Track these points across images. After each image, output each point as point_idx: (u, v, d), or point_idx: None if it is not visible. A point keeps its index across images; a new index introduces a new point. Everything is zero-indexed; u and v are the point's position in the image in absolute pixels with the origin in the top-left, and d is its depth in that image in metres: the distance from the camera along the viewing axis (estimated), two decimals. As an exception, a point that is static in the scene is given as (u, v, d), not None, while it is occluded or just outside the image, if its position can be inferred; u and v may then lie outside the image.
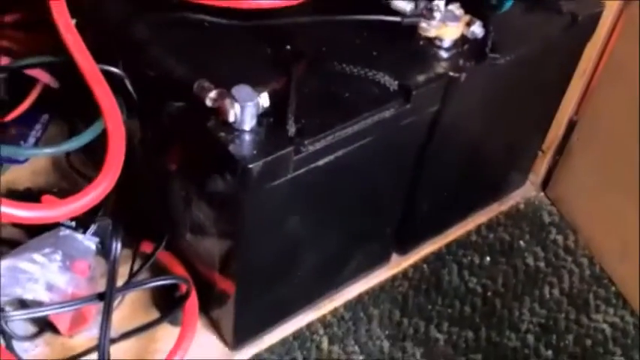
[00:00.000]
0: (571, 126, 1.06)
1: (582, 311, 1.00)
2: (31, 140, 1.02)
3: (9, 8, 1.01)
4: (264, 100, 0.68)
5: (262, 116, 0.69)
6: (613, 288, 1.02)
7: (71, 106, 0.96)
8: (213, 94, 0.68)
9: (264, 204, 0.73)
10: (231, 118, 0.67)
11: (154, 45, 0.76)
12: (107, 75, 0.76)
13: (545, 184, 1.13)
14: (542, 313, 0.99)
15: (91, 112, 0.76)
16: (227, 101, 0.67)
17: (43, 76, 0.93)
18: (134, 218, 0.91)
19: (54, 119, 1.05)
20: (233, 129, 0.68)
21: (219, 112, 0.68)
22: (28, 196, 0.92)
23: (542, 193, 1.13)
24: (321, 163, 0.72)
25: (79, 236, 0.85)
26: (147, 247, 0.90)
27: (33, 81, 0.95)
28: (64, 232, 0.85)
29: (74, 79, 0.75)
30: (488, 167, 1.01)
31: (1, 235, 0.87)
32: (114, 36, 0.80)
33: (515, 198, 1.12)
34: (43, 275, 0.80)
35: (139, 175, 0.88)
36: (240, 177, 0.67)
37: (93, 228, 0.87)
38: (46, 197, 0.87)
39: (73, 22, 0.76)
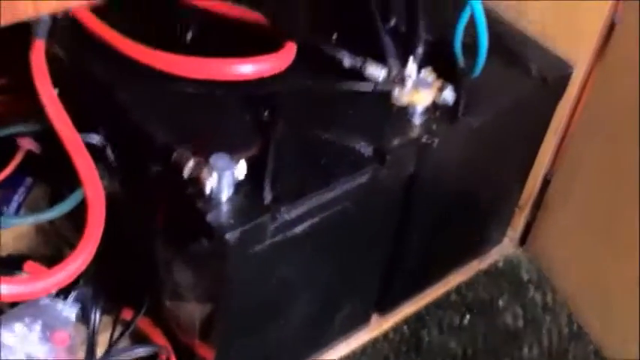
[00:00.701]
0: (546, 182, 1.07)
1: (562, 370, 1.00)
2: (14, 204, 1.02)
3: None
4: (241, 168, 0.69)
5: (239, 184, 0.70)
6: (592, 346, 1.03)
7: (54, 170, 0.96)
8: (191, 163, 0.70)
9: (242, 270, 0.73)
10: (208, 189, 0.68)
11: (134, 113, 0.77)
12: (89, 143, 0.77)
13: (523, 240, 1.14)
14: (522, 373, 1.00)
15: (73, 176, 0.76)
16: (205, 171, 0.68)
17: (26, 143, 0.94)
18: (115, 284, 0.91)
19: (38, 182, 1.06)
20: (211, 197, 0.69)
21: (197, 182, 0.69)
22: (11, 262, 0.92)
23: (520, 250, 1.14)
24: (298, 228, 0.73)
25: (60, 305, 0.85)
26: (127, 314, 0.90)
27: (17, 145, 0.96)
28: (44, 300, 0.85)
29: (57, 145, 0.76)
30: (467, 226, 1.02)
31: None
32: (96, 104, 0.81)
33: (493, 255, 1.12)
34: (23, 347, 0.80)
35: (120, 241, 0.88)
36: (218, 245, 0.68)
37: (73, 294, 0.87)
38: (29, 264, 0.87)
39: (56, 91, 0.77)
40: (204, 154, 0.69)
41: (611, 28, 0.91)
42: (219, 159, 0.68)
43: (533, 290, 1.09)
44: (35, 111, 0.78)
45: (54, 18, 0.80)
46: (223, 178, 0.68)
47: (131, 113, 0.77)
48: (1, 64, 0.94)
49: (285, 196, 0.71)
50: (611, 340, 1.00)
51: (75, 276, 0.71)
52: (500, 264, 1.12)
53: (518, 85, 0.88)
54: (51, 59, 0.78)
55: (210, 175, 0.68)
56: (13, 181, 1.01)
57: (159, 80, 0.79)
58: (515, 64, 0.89)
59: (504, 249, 1.13)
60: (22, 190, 1.03)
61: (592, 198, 1.01)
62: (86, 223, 0.71)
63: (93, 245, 0.71)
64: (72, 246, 0.72)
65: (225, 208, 0.69)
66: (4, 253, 0.95)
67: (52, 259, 0.88)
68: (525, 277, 1.11)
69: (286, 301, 0.82)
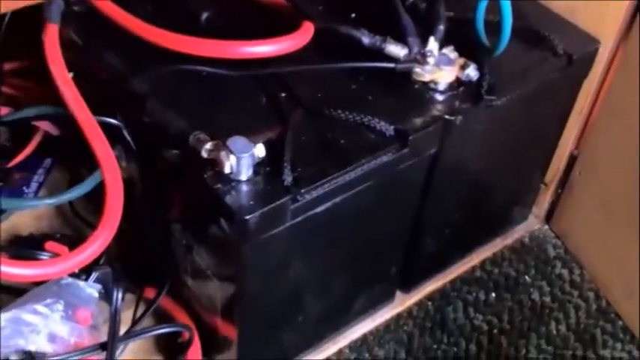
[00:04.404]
0: (572, 160, 1.05)
1: (589, 347, 0.99)
2: (34, 185, 1.03)
3: (10, 56, 1.03)
4: (259, 150, 0.69)
5: (258, 166, 0.69)
6: (620, 322, 1.01)
7: (73, 151, 0.96)
8: (209, 145, 0.69)
9: (263, 251, 0.73)
10: (227, 170, 0.68)
11: (152, 96, 0.77)
12: (106, 125, 0.77)
13: (549, 217, 1.12)
14: (549, 350, 0.98)
15: (92, 158, 0.76)
16: (223, 153, 0.67)
17: (43, 125, 0.94)
18: (137, 264, 0.91)
19: (57, 163, 1.06)
20: (229, 180, 0.68)
21: (215, 164, 0.69)
22: (32, 242, 0.92)
23: (546, 226, 1.12)
24: (319, 210, 0.72)
25: (82, 284, 0.85)
26: (150, 293, 0.90)
27: (35, 126, 0.96)
28: (67, 280, 0.85)
29: (74, 127, 0.76)
30: (491, 203, 1.01)
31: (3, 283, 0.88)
32: (112, 88, 0.80)
33: (519, 232, 1.11)
34: (46, 326, 0.80)
35: (141, 221, 0.88)
36: (238, 227, 0.68)
37: (95, 275, 0.87)
38: (49, 244, 0.87)
39: (71, 75, 0.77)
40: (221, 136, 0.69)
41: (638, 4, 0.88)
42: (236, 141, 0.68)
43: (560, 266, 1.08)
44: (52, 94, 0.78)
45: (67, 2, 0.80)
46: (241, 160, 0.67)
47: (147, 97, 0.77)
48: (19, 48, 0.94)
49: (305, 177, 0.70)
50: (638, 317, 0.99)
51: (95, 256, 0.71)
52: (526, 240, 1.11)
53: (543, 63, 0.86)
54: (67, 44, 0.78)
55: (229, 157, 0.67)
56: (32, 163, 1.02)
57: (174, 63, 0.79)
58: (540, 41, 0.87)
59: (530, 225, 1.12)
60: (41, 171, 1.04)
61: (617, 177, 0.99)
62: (105, 205, 0.72)
63: (112, 226, 0.71)
64: (92, 226, 0.72)
65: (244, 190, 0.68)
66: (25, 233, 0.96)
67: (72, 239, 0.89)
68: (552, 253, 1.09)
69: (308, 280, 0.82)
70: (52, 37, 0.77)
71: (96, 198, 0.76)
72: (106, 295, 0.87)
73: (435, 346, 0.98)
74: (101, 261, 0.87)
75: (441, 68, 0.78)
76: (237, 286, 0.77)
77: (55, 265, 0.70)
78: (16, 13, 0.78)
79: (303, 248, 0.77)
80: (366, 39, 0.79)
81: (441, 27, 0.80)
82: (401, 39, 0.79)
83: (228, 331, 0.83)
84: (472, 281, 1.05)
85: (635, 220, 0.96)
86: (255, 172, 0.69)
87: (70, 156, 1.01)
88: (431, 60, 0.78)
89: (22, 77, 1.02)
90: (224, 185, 0.68)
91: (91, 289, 0.86)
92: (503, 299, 1.04)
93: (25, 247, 0.89)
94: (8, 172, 1.01)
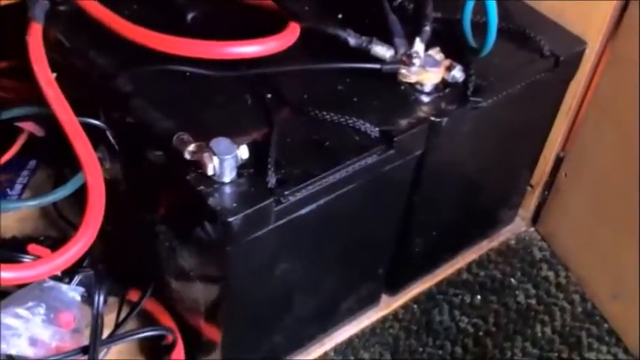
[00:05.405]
0: (558, 162, 1.05)
1: (575, 349, 0.99)
2: (18, 187, 1.02)
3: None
4: (243, 152, 0.68)
5: (242, 167, 0.69)
6: (605, 325, 1.01)
7: (57, 152, 0.95)
8: (192, 147, 0.68)
9: (247, 253, 0.72)
10: (210, 171, 0.67)
11: (136, 96, 0.76)
12: (89, 126, 0.76)
13: (535, 219, 1.12)
14: (535, 353, 0.98)
15: (75, 159, 0.75)
16: (206, 155, 0.67)
17: (28, 126, 0.93)
18: (121, 266, 0.90)
19: (41, 165, 1.05)
20: (213, 181, 0.68)
21: (198, 165, 0.68)
22: (15, 244, 0.91)
23: (532, 229, 1.12)
24: (303, 212, 0.72)
25: (64, 287, 0.85)
26: (133, 295, 0.90)
27: (19, 128, 0.95)
28: (49, 283, 0.84)
29: (57, 128, 0.75)
30: (478, 205, 1.01)
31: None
32: (97, 88, 0.80)
33: (505, 234, 1.11)
34: (27, 330, 0.79)
35: (125, 223, 0.87)
36: (221, 229, 0.67)
37: (78, 278, 0.86)
38: (32, 247, 0.86)
39: (54, 75, 0.76)
40: (206, 137, 0.68)
41: (625, 4, 0.88)
42: (220, 143, 0.67)
43: (545, 269, 1.07)
44: (37, 95, 0.77)
45: (53, 2, 0.80)
46: (225, 162, 0.67)
47: (131, 98, 0.76)
48: (6, 48, 0.93)
49: (289, 179, 0.69)
50: (625, 321, 0.99)
51: (76, 258, 0.71)
52: (512, 242, 1.10)
53: (529, 64, 0.86)
54: (51, 44, 0.77)
55: (212, 158, 0.66)
56: (16, 164, 1.01)
57: (160, 63, 0.78)
58: (527, 42, 0.87)
59: (516, 228, 1.12)
60: (25, 172, 1.03)
61: (604, 179, 0.99)
62: (86, 207, 0.71)
63: (94, 228, 0.70)
64: (76, 228, 0.71)
65: (227, 191, 0.68)
66: (8, 236, 0.95)
67: (56, 241, 0.88)
68: (538, 255, 1.09)
69: (293, 283, 0.81)
70: (35, 36, 0.77)
71: (80, 199, 0.75)
72: (89, 298, 0.86)
73: (420, 349, 0.98)
74: (85, 263, 0.86)
75: (426, 70, 0.78)
76: (221, 288, 0.77)
77: (36, 267, 0.70)
78: (3, 12, 0.77)
79: (288, 250, 0.76)
80: (352, 40, 0.79)
81: (427, 28, 0.80)
82: (388, 40, 0.79)
83: (213, 333, 0.82)
84: (458, 283, 1.05)
85: (620, 221, 0.96)
86: (239, 174, 0.69)
87: (55, 157, 0.99)
88: (417, 61, 0.78)
89: (10, 77, 1.01)
90: (207, 187, 0.68)
91: (73, 292, 0.85)
92: (488, 302, 1.03)
93: (7, 250, 0.88)
94: (-8, 174, 1.01)
